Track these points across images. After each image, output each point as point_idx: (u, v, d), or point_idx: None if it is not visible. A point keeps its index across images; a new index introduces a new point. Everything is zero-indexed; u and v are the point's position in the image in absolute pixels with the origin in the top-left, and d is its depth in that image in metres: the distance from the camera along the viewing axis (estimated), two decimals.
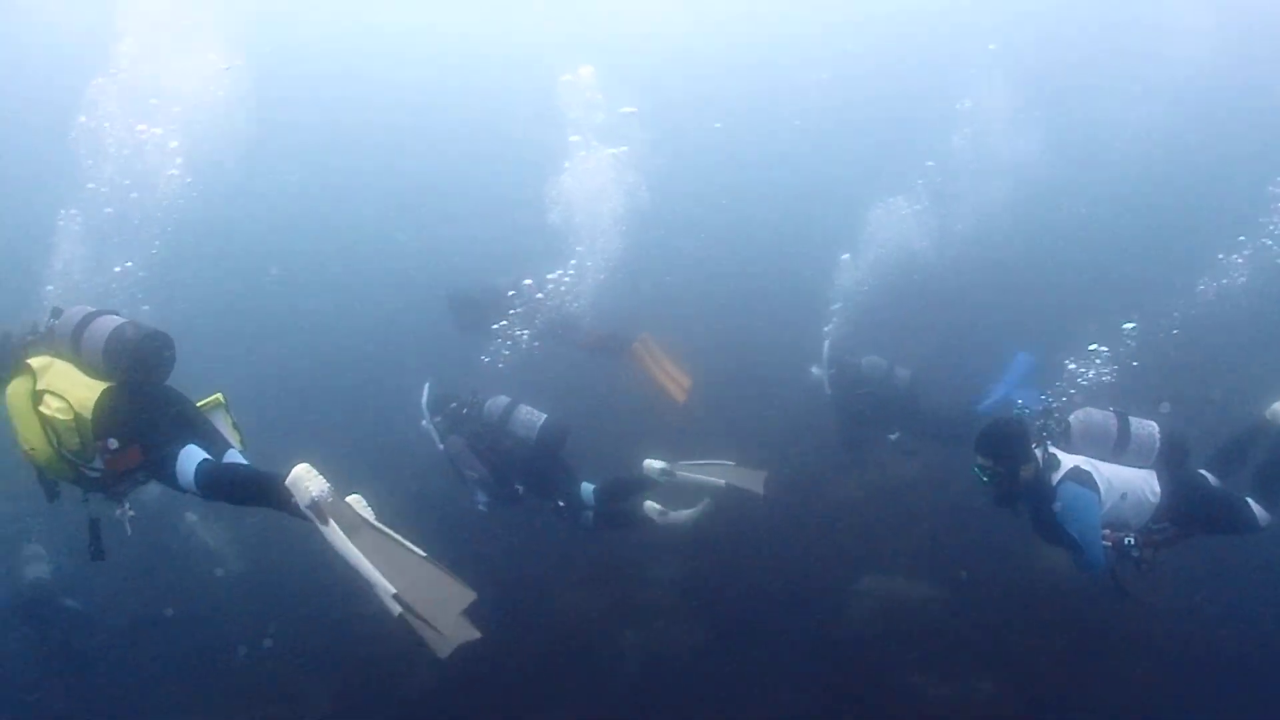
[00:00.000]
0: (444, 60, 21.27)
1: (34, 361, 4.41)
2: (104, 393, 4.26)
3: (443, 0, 20.16)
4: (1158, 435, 5.14)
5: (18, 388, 4.37)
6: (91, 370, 4.40)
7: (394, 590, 3.39)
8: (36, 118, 13.08)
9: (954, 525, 7.64)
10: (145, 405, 4.35)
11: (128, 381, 4.37)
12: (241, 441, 4.74)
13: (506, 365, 9.26)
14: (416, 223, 18.63)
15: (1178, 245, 12.25)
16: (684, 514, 6.63)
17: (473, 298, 9.79)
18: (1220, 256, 10.06)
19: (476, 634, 3.67)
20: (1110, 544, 4.74)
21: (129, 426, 4.25)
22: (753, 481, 6.44)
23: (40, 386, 4.28)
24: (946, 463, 7.94)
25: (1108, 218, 14.83)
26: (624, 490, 6.86)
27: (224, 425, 4.76)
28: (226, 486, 4.17)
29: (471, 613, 3.63)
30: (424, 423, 7.20)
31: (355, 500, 3.80)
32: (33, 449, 4.28)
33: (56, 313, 4.67)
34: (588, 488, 6.96)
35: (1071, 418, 5.19)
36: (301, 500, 3.61)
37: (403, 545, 3.64)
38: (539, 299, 9.49)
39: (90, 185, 8.06)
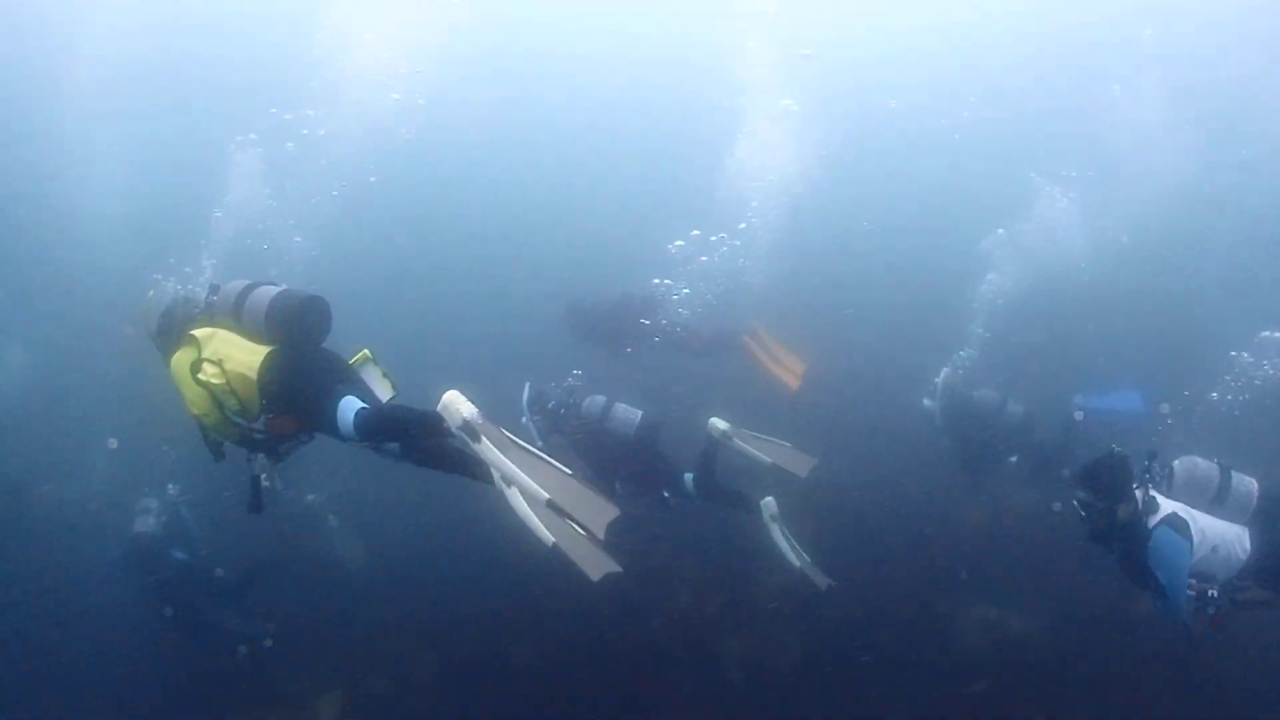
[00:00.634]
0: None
1: (198, 332, 4.66)
2: (267, 356, 4.48)
3: None
4: (1256, 493, 5.07)
5: (182, 358, 4.60)
6: (253, 336, 4.61)
7: (547, 496, 3.66)
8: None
9: (1061, 558, 7.56)
10: (306, 366, 4.61)
11: (288, 345, 4.58)
12: (394, 388, 4.93)
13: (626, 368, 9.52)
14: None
15: None
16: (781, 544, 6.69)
17: (588, 309, 10.05)
18: None
19: (618, 568, 3.83)
20: (1194, 594, 4.73)
21: (291, 386, 4.51)
22: (800, 465, 6.46)
23: (204, 355, 4.52)
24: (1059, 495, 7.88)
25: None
26: (723, 497, 7.08)
27: (375, 378, 4.93)
28: (384, 425, 4.37)
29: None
30: (524, 420, 7.51)
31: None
32: (200, 413, 4.59)
33: (214, 289, 4.92)
34: (688, 477, 7.13)
35: (1176, 464, 5.16)
36: (453, 422, 3.85)
37: (549, 462, 3.88)
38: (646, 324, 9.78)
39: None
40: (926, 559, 7.86)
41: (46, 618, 8.41)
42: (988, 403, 8.51)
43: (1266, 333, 7.47)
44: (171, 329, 4.87)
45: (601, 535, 3.70)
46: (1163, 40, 15.22)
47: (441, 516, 8.85)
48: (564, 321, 10.11)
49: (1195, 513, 4.95)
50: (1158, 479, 5.05)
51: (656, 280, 10.14)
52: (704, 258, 10.16)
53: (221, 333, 4.68)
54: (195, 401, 4.56)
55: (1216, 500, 5.06)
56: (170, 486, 8.83)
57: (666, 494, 7.21)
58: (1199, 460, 5.20)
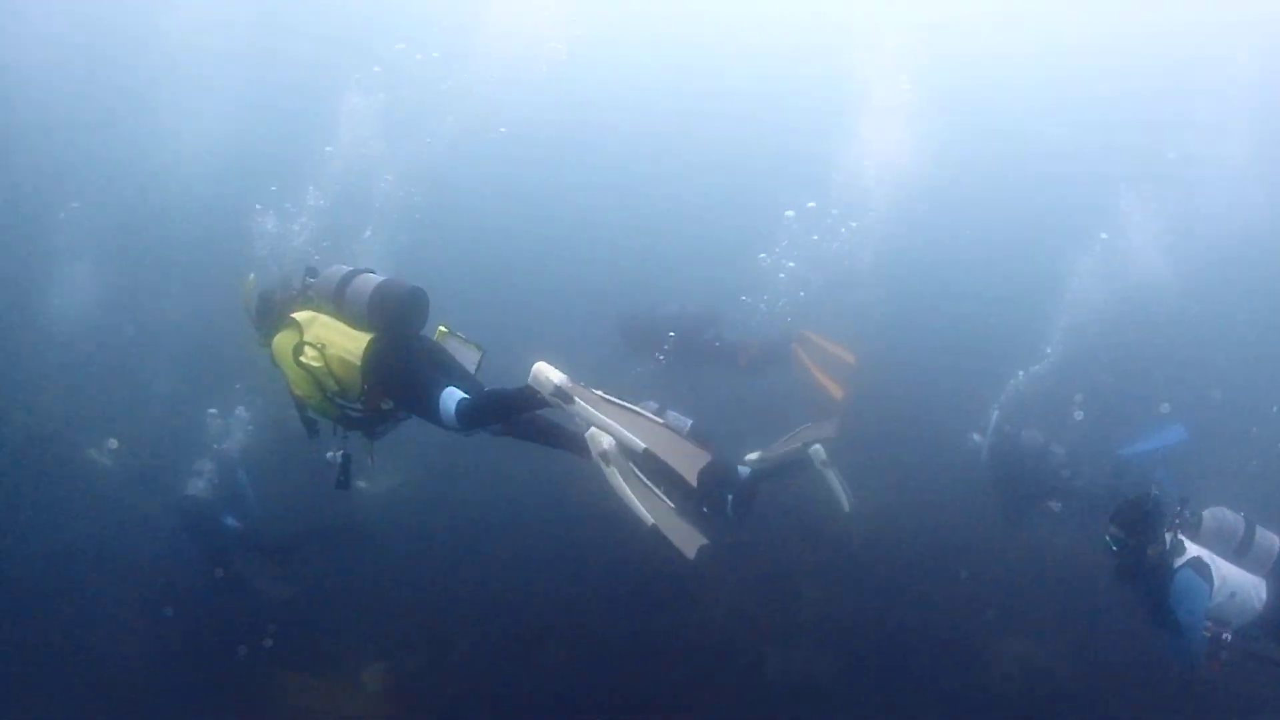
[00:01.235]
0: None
1: (299, 316, 4.83)
2: (369, 343, 4.64)
3: None
4: (1277, 549, 5.42)
5: (285, 340, 4.80)
6: (353, 322, 4.78)
7: (643, 445, 3.88)
8: None
9: (1096, 600, 7.72)
10: (406, 354, 4.78)
11: (388, 333, 4.73)
12: (479, 348, 5.11)
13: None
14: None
15: None
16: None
17: (641, 322, 10.17)
18: None
19: (707, 540, 4.07)
20: (1209, 634, 5.01)
21: (392, 373, 4.70)
22: (826, 429, 6.81)
23: (306, 339, 4.71)
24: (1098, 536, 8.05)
25: None
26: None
27: (459, 348, 5.11)
28: (484, 411, 4.55)
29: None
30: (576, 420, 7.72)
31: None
32: (303, 394, 4.83)
33: (313, 272, 5.12)
34: (743, 470, 7.23)
35: (1205, 513, 5.51)
36: (545, 390, 4.09)
37: (642, 414, 4.13)
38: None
39: None
40: (963, 589, 8.01)
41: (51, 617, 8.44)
42: (1033, 442, 8.68)
43: None
44: (271, 311, 5.06)
45: (695, 482, 3.95)
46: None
47: (487, 492, 9.06)
48: (619, 330, 10.31)
49: (1218, 559, 5.29)
50: (1187, 524, 5.38)
51: (744, 297, 10.24)
52: (815, 235, 10.16)
53: (322, 318, 4.85)
54: (298, 383, 4.79)
55: (1239, 550, 5.44)
56: (217, 446, 8.95)
57: (705, 509, 7.35)
58: (1227, 511, 5.57)
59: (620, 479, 3.97)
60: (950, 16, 17.76)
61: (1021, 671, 7.33)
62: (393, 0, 17.02)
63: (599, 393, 4.15)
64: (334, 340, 4.72)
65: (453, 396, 4.50)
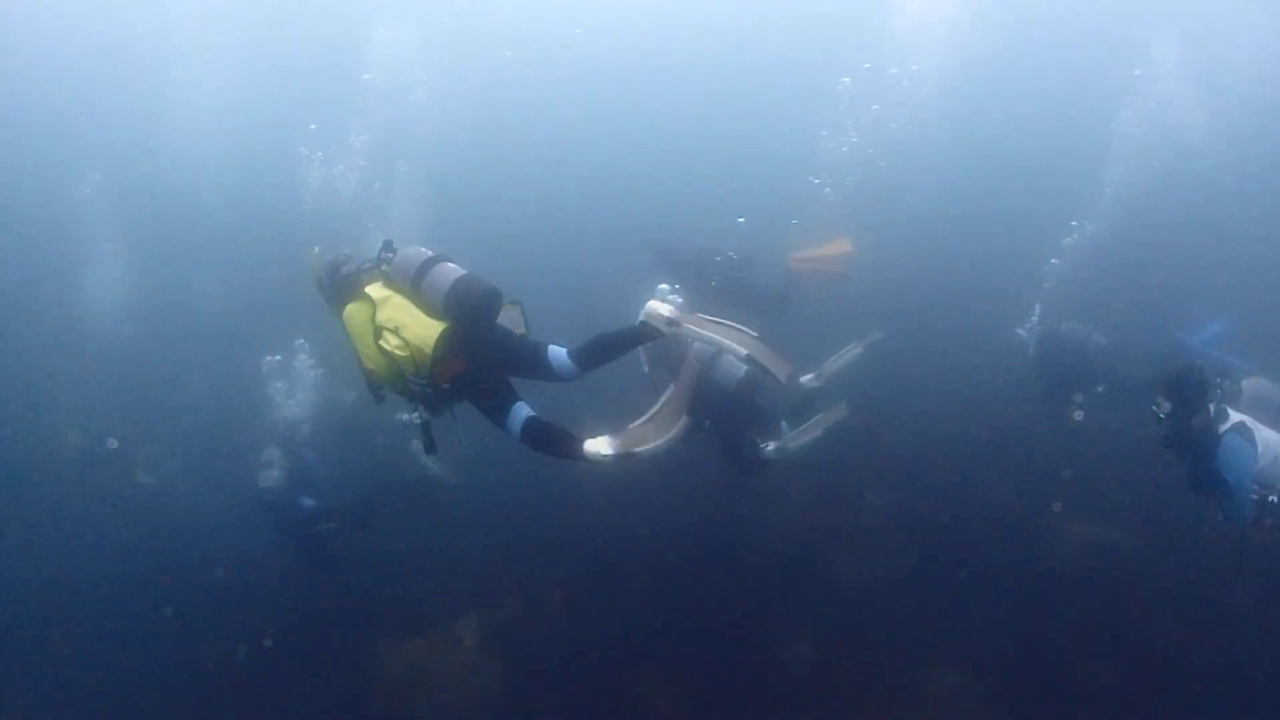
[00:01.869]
0: None
1: (373, 291, 4.88)
2: (442, 333, 4.69)
3: None
4: None
5: (357, 312, 4.88)
6: (427, 309, 4.79)
7: (745, 352, 4.50)
8: None
9: (1149, 475, 7.93)
10: (478, 346, 4.91)
11: (461, 327, 4.77)
12: (515, 303, 5.23)
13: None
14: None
15: None
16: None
17: (675, 255, 10.15)
18: None
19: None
20: (1256, 497, 5.30)
21: (463, 362, 4.84)
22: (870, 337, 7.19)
23: (380, 320, 4.79)
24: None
25: None
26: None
27: (513, 319, 5.25)
28: (598, 358, 4.86)
29: None
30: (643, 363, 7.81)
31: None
32: (374, 368, 4.94)
33: (389, 246, 5.11)
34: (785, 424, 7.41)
35: (1244, 382, 5.79)
36: (660, 324, 4.54)
37: (734, 327, 4.68)
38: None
39: None
40: (1023, 480, 8.26)
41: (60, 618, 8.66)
42: (1074, 335, 8.89)
43: None
44: (342, 281, 5.17)
45: (785, 380, 4.57)
46: None
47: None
48: (652, 259, 10.38)
49: (1260, 425, 5.55)
50: (1228, 394, 5.65)
51: (814, 179, 10.40)
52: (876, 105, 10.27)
53: (396, 298, 4.89)
54: (370, 357, 4.90)
55: (1278, 417, 5.68)
56: (279, 430, 9.18)
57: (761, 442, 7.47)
58: (1265, 381, 5.86)
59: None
60: None
61: (1087, 552, 7.62)
62: None
63: (704, 316, 4.68)
64: (408, 325, 4.78)
65: (520, 413, 4.77)
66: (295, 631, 8.01)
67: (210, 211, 14.08)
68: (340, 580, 8.60)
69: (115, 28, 17.30)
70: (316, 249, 5.45)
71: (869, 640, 6.87)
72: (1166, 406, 5.41)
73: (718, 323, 4.66)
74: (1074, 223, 10.64)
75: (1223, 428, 5.42)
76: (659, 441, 4.43)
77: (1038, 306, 9.03)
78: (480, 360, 4.87)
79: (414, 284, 4.88)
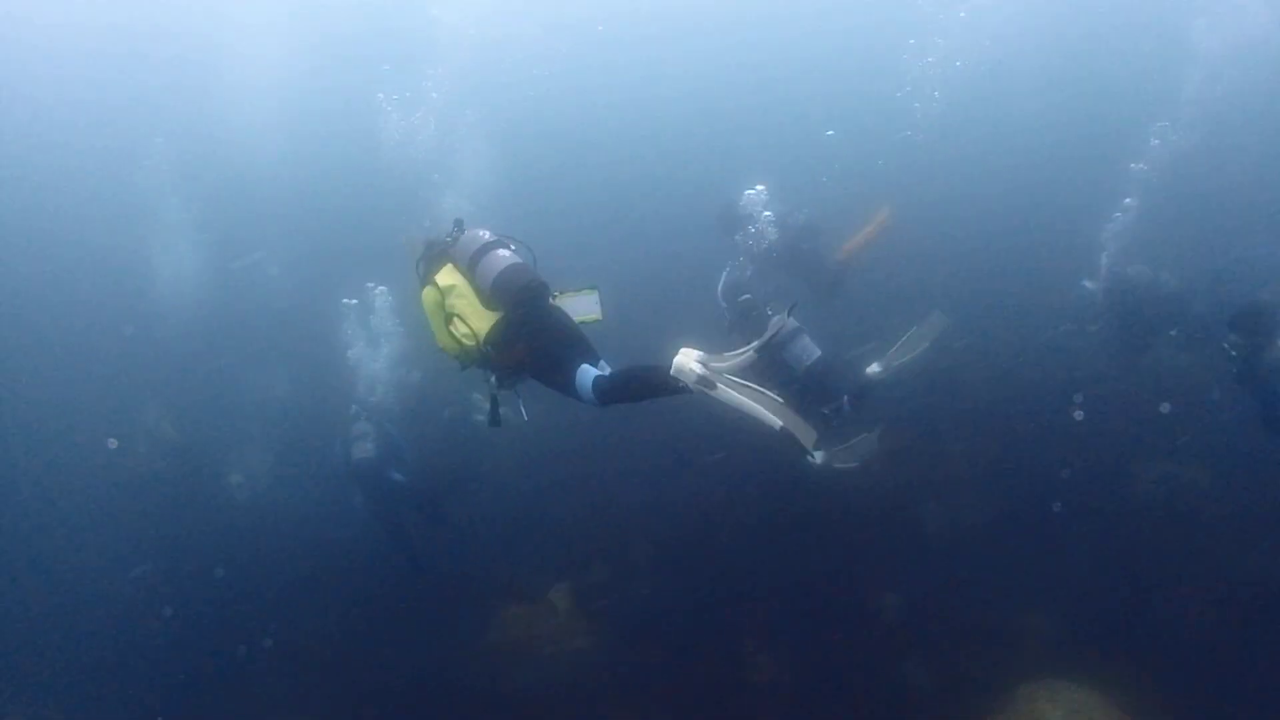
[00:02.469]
0: None
1: (441, 279, 5.10)
2: (496, 323, 4.95)
3: None
4: None
5: (430, 297, 5.13)
6: (479, 295, 5.01)
7: (780, 424, 4.16)
8: None
9: (1225, 416, 7.99)
10: (530, 334, 5.01)
11: (514, 317, 4.96)
12: (592, 289, 5.33)
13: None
14: None
15: None
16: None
17: (741, 216, 10.36)
18: None
19: (817, 434, 4.41)
20: None
21: (521, 353, 4.99)
22: (935, 325, 7.00)
23: (448, 307, 5.03)
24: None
25: None
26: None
27: (574, 298, 5.32)
28: (621, 391, 4.65)
29: None
30: (720, 298, 8.07)
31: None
32: (444, 346, 5.23)
33: (459, 224, 5.31)
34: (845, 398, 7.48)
35: None
36: (689, 380, 4.25)
37: (766, 395, 4.32)
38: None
39: None
40: (1099, 422, 8.33)
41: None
42: (1143, 278, 8.87)
43: None
44: (431, 263, 5.36)
45: (816, 458, 4.39)
46: None
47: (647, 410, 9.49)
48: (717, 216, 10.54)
49: None
50: None
51: (898, 93, 10.61)
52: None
53: (460, 285, 5.09)
54: (440, 336, 5.19)
55: None
56: (354, 406, 9.30)
57: (826, 411, 7.44)
58: None
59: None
60: None
61: (1166, 492, 7.70)
62: None
63: (734, 378, 4.35)
64: (468, 315, 5.03)
65: (587, 375, 4.75)
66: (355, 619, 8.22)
67: (282, 182, 14.25)
68: (419, 557, 8.79)
69: None
70: (404, 238, 5.65)
71: (956, 587, 7.01)
72: (1239, 343, 5.44)
73: (748, 387, 4.34)
74: (1140, 165, 10.55)
75: None
76: (745, 403, 4.23)
77: (1104, 255, 9.02)
78: (537, 346, 4.98)
79: (470, 267, 5.10)
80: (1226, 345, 5.55)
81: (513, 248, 5.22)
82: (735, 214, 9.94)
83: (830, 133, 8.24)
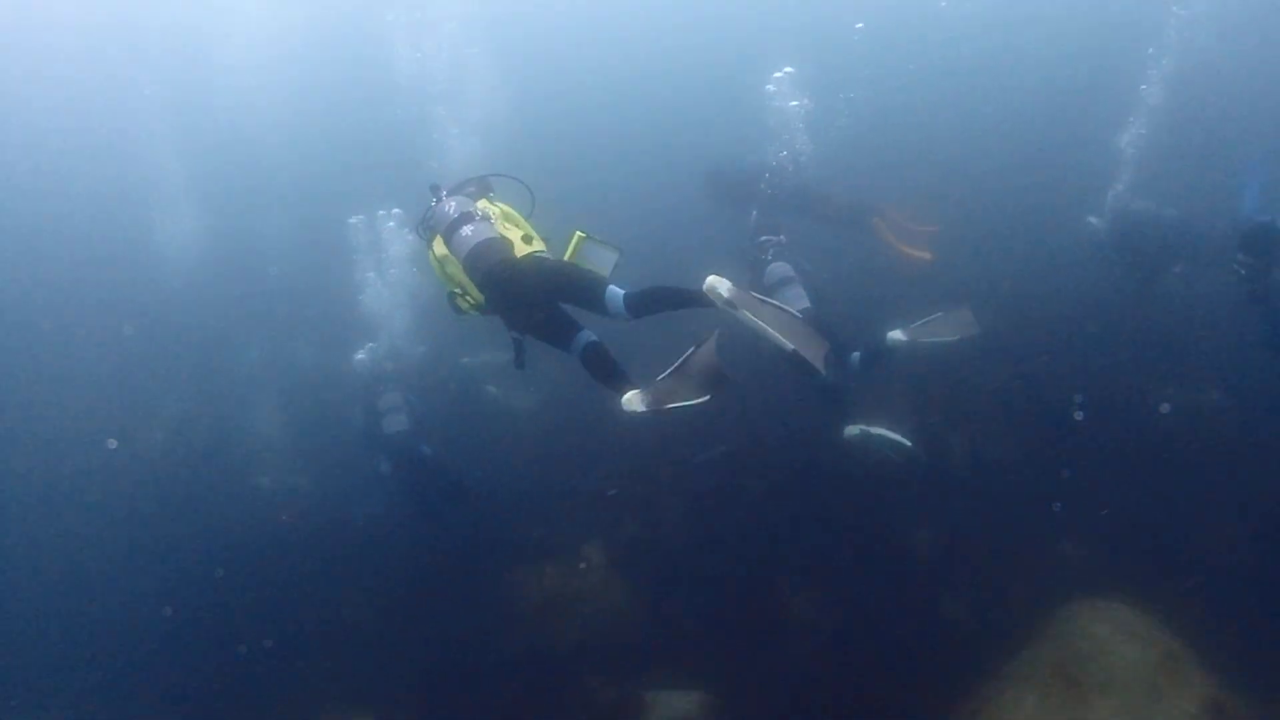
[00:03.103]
0: None
1: (435, 249, 5.36)
2: (485, 300, 5.19)
3: None
4: None
5: (432, 261, 5.44)
6: (465, 268, 5.18)
7: (790, 347, 4.34)
8: None
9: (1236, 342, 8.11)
10: (517, 304, 5.13)
11: (493, 291, 5.10)
12: (616, 249, 5.26)
13: None
14: None
15: None
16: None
17: (726, 176, 10.51)
18: None
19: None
20: None
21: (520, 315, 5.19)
22: (963, 324, 6.91)
23: (447, 276, 5.34)
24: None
25: None
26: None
27: (597, 249, 5.25)
28: (652, 301, 4.75)
29: None
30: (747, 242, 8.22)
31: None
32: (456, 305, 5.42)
33: (436, 190, 5.63)
34: (855, 356, 7.43)
35: None
36: (718, 301, 4.35)
37: (784, 310, 4.52)
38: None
39: None
40: (1117, 352, 8.47)
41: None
42: (1147, 212, 8.97)
43: None
44: (425, 229, 5.60)
45: (822, 369, 4.46)
46: None
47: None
48: (706, 187, 10.62)
49: None
50: None
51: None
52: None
53: (451, 259, 5.26)
54: (449, 298, 5.44)
55: None
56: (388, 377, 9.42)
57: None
58: None
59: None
60: None
61: (1186, 417, 7.79)
62: None
63: (758, 298, 4.48)
64: (466, 285, 5.23)
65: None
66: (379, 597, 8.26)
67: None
68: (445, 525, 8.87)
69: None
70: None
71: (987, 520, 7.11)
72: (1248, 262, 5.54)
73: (766, 303, 4.47)
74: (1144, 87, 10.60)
75: None
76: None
77: (1109, 191, 9.10)
78: (529, 307, 5.09)
79: (447, 239, 5.30)
80: (1236, 264, 5.63)
81: (477, 219, 5.26)
82: (723, 181, 10.07)
83: (860, 25, 8.17)
